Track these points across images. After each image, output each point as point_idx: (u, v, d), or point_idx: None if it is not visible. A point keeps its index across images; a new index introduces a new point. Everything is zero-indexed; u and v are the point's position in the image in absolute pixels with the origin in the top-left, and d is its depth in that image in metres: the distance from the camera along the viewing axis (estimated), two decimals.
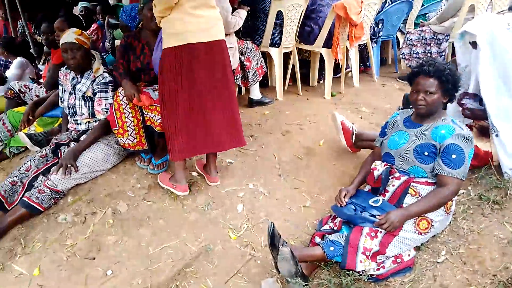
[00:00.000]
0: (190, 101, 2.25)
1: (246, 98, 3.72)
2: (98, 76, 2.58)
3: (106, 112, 2.56)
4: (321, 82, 4.47)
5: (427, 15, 5.03)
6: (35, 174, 2.42)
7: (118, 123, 2.50)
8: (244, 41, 3.50)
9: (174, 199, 2.46)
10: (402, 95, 3.48)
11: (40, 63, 5.44)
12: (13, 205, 2.34)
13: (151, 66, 2.61)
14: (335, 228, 2.07)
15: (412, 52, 4.24)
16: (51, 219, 2.32)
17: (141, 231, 2.26)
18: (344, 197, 2.11)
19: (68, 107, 2.65)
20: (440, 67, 2.00)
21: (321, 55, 4.13)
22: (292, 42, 3.83)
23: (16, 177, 2.41)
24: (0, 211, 2.35)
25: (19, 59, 4.24)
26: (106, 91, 2.58)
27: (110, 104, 2.55)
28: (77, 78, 2.63)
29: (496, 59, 2.31)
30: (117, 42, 4.22)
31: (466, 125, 2.38)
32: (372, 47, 4.40)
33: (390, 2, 4.36)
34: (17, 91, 3.37)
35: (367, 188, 2.24)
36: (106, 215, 2.33)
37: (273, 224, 1.83)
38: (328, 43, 3.85)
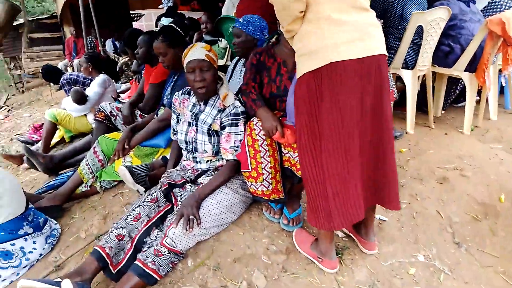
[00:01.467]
0: (337, 142, 1.56)
1: None
2: (228, 106, 2.01)
3: (235, 150, 1.99)
4: (444, 111, 3.75)
5: None
6: (146, 227, 1.87)
7: (251, 163, 1.91)
8: None
9: (324, 273, 1.81)
10: None
11: (120, 81, 5.10)
12: (119, 266, 1.79)
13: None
14: None
15: None
16: None
17: None
18: None
19: (186, 141, 2.10)
20: None
21: (450, 79, 3.44)
22: (428, 63, 3.15)
23: (123, 228, 1.85)
24: (107, 276, 1.79)
25: (102, 76, 3.85)
26: (237, 125, 2.00)
27: (240, 140, 1.98)
28: (199, 105, 2.09)
29: None
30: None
31: None
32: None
33: None
34: (108, 113, 2.90)
35: None
36: None
37: None
38: (470, 67, 3.13)
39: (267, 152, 1.91)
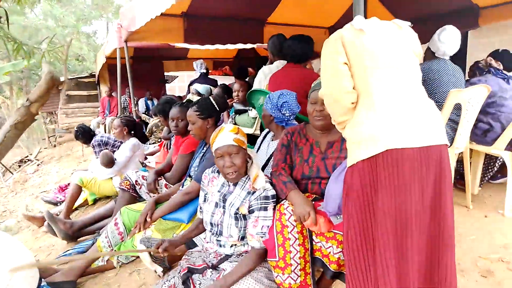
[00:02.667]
0: (394, 240, 1.43)
1: None
2: (259, 188, 1.89)
3: (262, 237, 1.84)
4: (481, 188, 3.53)
5: None
6: None
7: (279, 252, 1.76)
8: None
9: None
10: None
11: (149, 142, 5.16)
12: None
13: (322, 174, 1.92)
14: None
15: None
16: None
17: None
18: None
19: (211, 223, 1.98)
20: None
21: (487, 155, 3.26)
22: (466, 141, 3.01)
23: None
24: None
25: (133, 140, 3.89)
26: (266, 209, 1.87)
27: (268, 226, 1.84)
28: (228, 186, 2.00)
29: None
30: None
31: None
32: None
33: None
34: (134, 182, 2.86)
35: None
36: None
37: None
38: (511, 145, 2.97)
39: (297, 240, 1.76)
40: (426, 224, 1.48)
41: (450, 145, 2.95)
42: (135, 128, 4.18)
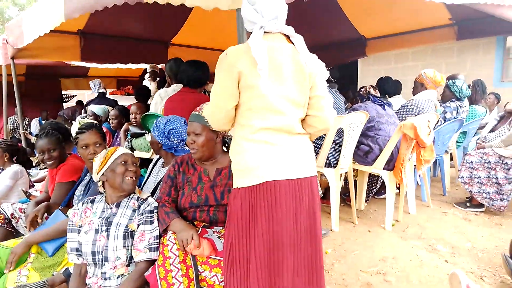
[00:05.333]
0: (266, 263, 1.58)
1: None
2: (142, 203, 1.93)
3: (149, 249, 1.83)
4: (367, 203, 3.87)
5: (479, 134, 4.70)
6: None
7: (161, 286, 1.71)
8: None
9: None
10: (476, 228, 2.94)
11: (38, 167, 4.71)
12: None
13: (211, 202, 1.94)
14: None
15: (473, 176, 3.73)
16: None
17: None
18: None
19: (93, 252, 1.86)
20: None
21: (371, 174, 3.60)
22: (349, 162, 3.28)
23: None
24: None
25: (14, 167, 3.51)
26: (152, 222, 1.89)
27: (155, 237, 1.85)
28: (111, 208, 1.93)
29: None
30: (136, 154, 3.59)
31: None
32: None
33: (442, 121, 3.99)
34: (9, 216, 2.57)
35: None
36: None
37: None
38: (388, 165, 3.31)
39: (180, 271, 1.73)
40: (302, 246, 1.62)
41: (336, 166, 3.19)
42: (18, 153, 3.78)
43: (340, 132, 3.09)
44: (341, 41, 6.30)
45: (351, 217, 3.40)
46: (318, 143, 3.16)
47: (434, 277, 2.47)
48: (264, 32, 1.59)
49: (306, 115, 1.70)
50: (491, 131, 4.57)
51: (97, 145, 2.39)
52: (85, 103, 5.98)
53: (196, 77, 2.98)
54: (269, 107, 1.57)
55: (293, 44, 1.64)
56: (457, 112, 4.04)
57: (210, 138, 1.97)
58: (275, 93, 1.57)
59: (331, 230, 3.12)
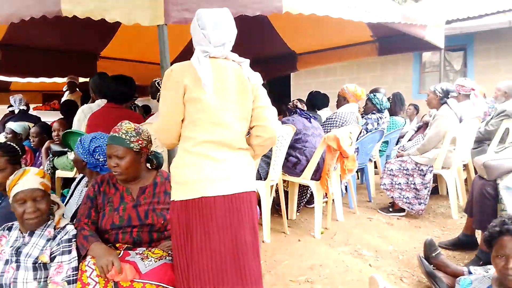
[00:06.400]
0: (207, 280, 1.59)
1: None
2: (59, 232, 1.80)
3: (68, 282, 1.71)
4: (299, 213, 4.00)
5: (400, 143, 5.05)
6: None
7: None
8: None
9: None
10: (397, 231, 3.14)
11: None
12: None
13: (134, 222, 1.89)
14: None
15: (394, 182, 4.01)
16: None
17: None
18: None
19: (1, 284, 1.72)
20: None
21: (300, 186, 3.73)
22: (278, 174, 3.37)
23: None
24: None
25: None
26: (70, 252, 1.77)
27: (73, 268, 1.74)
28: (23, 237, 1.80)
29: None
30: (58, 173, 3.40)
31: None
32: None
33: (364, 132, 4.25)
34: None
35: None
36: None
37: None
38: (315, 175, 3.46)
39: None
40: (245, 262, 1.65)
41: (266, 179, 3.26)
42: None
43: None
44: (274, 56, 6.52)
45: (283, 227, 3.48)
46: None
47: (358, 281, 2.60)
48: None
49: (252, 126, 1.77)
50: (409, 140, 4.96)
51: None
52: None
53: (121, 92, 2.92)
54: (213, 121, 1.62)
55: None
56: (378, 123, 4.34)
57: (134, 159, 1.93)
58: (219, 106, 1.63)
59: (262, 242, 3.17)
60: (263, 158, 3.19)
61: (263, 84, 4.09)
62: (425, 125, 4.98)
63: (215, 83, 1.63)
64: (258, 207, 3.09)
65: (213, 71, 1.62)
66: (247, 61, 1.76)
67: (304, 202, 4.03)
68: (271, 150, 3.17)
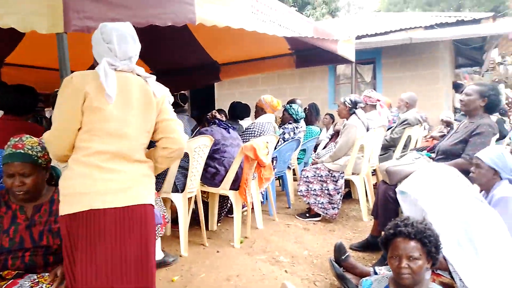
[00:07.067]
0: None
1: None
2: None
3: None
4: (219, 224, 3.99)
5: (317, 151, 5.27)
6: None
7: None
8: None
9: None
10: (313, 236, 3.26)
11: None
12: None
13: (26, 245, 1.74)
14: None
15: (310, 189, 4.19)
16: None
17: None
18: None
19: None
20: (419, 227, 1.77)
21: (221, 196, 3.74)
22: (197, 185, 3.33)
23: None
24: None
25: None
26: None
27: None
28: None
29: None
30: None
31: None
32: None
33: (282, 141, 4.39)
34: None
35: None
36: None
37: None
38: (234, 185, 3.48)
39: None
40: (133, 279, 1.56)
41: (183, 191, 3.21)
42: None
43: (186, 156, 3.13)
44: (198, 66, 6.48)
45: (202, 240, 3.45)
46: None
47: None
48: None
49: (159, 139, 1.75)
50: (324, 148, 5.23)
51: None
52: None
53: (20, 103, 2.69)
54: (111, 132, 1.56)
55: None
56: (294, 133, 4.52)
57: (42, 176, 1.82)
58: (120, 118, 1.58)
59: (180, 256, 3.10)
60: (179, 170, 3.14)
61: (180, 94, 4.05)
62: (337, 133, 5.30)
63: (119, 95, 1.60)
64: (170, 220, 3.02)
65: (117, 83, 1.60)
66: (153, 77, 1.77)
67: (225, 212, 4.03)
68: (188, 161, 3.13)
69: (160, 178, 3.10)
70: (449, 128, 6.54)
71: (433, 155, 3.23)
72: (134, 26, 2.13)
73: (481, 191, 2.51)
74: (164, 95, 1.76)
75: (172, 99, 3.36)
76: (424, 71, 7.62)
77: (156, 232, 2.81)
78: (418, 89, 6.96)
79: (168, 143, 1.75)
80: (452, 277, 2.12)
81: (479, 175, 2.43)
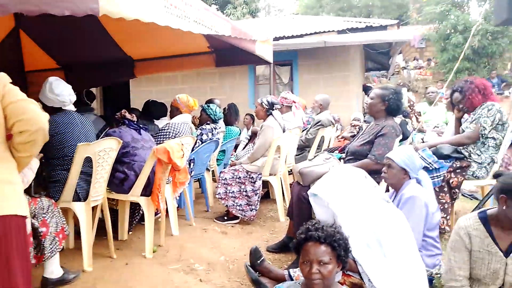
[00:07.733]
0: None
1: (37, 278, 2.54)
2: None
3: None
4: (131, 233, 3.72)
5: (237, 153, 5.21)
6: None
7: None
8: (38, 199, 2.51)
9: None
10: (230, 240, 3.26)
11: None
12: None
13: None
14: None
15: (228, 191, 4.10)
16: None
17: None
18: None
19: None
20: (329, 231, 1.78)
21: (132, 203, 3.48)
22: (102, 193, 3.04)
23: None
24: None
25: None
26: None
27: None
28: None
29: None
30: None
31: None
32: None
33: (200, 143, 4.25)
34: None
35: None
36: None
37: None
38: (146, 191, 3.25)
39: None
40: None
41: (86, 199, 2.91)
42: None
43: (89, 161, 2.83)
44: (109, 61, 6.03)
45: (109, 251, 3.17)
46: (63, 175, 2.80)
47: None
48: None
49: (12, 125, 1.52)
50: (243, 149, 5.20)
51: None
52: None
53: None
54: None
55: None
56: (213, 134, 4.40)
57: None
58: None
59: (83, 271, 2.80)
60: (81, 176, 2.83)
61: (86, 92, 3.68)
62: (254, 134, 5.30)
63: None
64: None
65: None
66: None
67: (137, 220, 3.77)
68: (91, 167, 2.84)
69: (58, 186, 2.77)
70: (358, 129, 6.94)
71: (343, 155, 3.34)
72: (25, 14, 1.86)
73: (387, 190, 2.64)
74: (2, 78, 1.55)
75: (74, 98, 3.04)
76: (336, 73, 8.00)
77: (53, 247, 2.51)
78: (331, 91, 7.27)
79: (22, 126, 1.53)
80: (361, 277, 2.18)
81: (391, 175, 2.54)
